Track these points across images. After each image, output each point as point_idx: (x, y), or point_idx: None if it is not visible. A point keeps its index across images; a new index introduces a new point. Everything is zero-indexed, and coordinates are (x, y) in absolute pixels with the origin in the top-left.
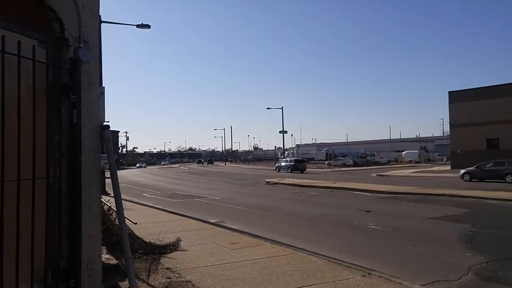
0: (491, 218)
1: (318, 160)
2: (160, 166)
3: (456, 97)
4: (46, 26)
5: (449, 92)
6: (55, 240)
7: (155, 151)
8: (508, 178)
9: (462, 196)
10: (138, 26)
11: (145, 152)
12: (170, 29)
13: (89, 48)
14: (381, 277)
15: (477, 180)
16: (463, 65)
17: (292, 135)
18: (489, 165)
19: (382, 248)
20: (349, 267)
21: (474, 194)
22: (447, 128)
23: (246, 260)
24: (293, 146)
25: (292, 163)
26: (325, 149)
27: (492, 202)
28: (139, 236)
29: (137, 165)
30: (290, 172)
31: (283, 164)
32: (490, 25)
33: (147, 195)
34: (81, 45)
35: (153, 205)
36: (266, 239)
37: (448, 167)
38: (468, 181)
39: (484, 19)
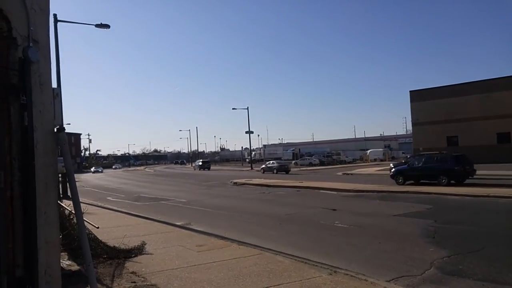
0: (452, 213)
1: (285, 160)
2: (113, 170)
3: (417, 96)
4: None
5: (410, 91)
6: (9, 247)
7: (119, 154)
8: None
9: (425, 193)
10: (97, 25)
11: (108, 154)
12: (131, 29)
13: (40, 48)
14: (347, 274)
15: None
16: (424, 64)
17: (258, 135)
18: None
19: (348, 246)
20: (316, 265)
21: (436, 191)
22: (410, 127)
23: (213, 262)
24: (260, 146)
25: (278, 165)
26: (292, 149)
27: (453, 198)
28: (102, 241)
29: (93, 169)
30: (276, 173)
31: (269, 166)
32: (452, 26)
33: (111, 199)
34: (31, 44)
35: (118, 209)
36: (233, 240)
37: None
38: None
39: (446, 21)
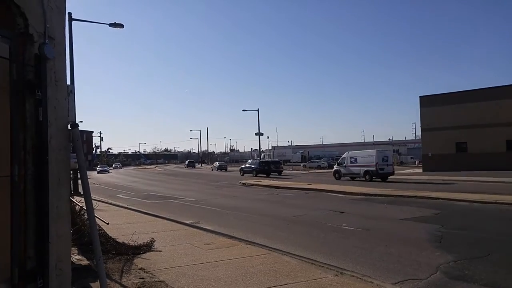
0: (460, 219)
1: (293, 162)
2: (114, 169)
3: (427, 102)
4: (9, 21)
5: (420, 96)
6: (21, 239)
7: (130, 152)
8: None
9: (433, 198)
10: (110, 25)
11: (119, 153)
12: (146, 30)
13: (55, 45)
14: (353, 276)
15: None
16: (436, 69)
17: (268, 137)
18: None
19: (355, 248)
20: (322, 266)
21: (444, 196)
22: (419, 132)
23: (220, 260)
24: (269, 148)
25: (218, 165)
26: (301, 152)
27: (461, 203)
28: (112, 237)
29: (98, 168)
30: (255, 175)
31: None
32: (463, 30)
33: (121, 196)
34: (47, 41)
35: (127, 206)
36: (240, 240)
37: (420, 170)
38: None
39: (456, 25)
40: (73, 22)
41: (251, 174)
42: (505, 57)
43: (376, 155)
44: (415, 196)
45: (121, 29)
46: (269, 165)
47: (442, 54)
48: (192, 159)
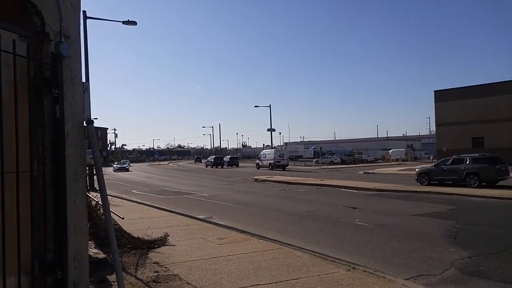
0: (475, 214)
1: (306, 158)
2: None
3: (441, 96)
4: (26, 20)
5: (434, 91)
6: (41, 232)
7: (144, 148)
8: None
9: (448, 194)
10: (124, 22)
11: (134, 149)
12: (159, 27)
13: (71, 43)
14: (365, 271)
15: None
16: (449, 64)
17: (280, 133)
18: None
19: (367, 244)
20: (334, 261)
21: (459, 192)
22: (433, 127)
23: (233, 255)
24: (281, 144)
25: (228, 160)
26: (313, 147)
27: (477, 199)
28: (127, 231)
29: (115, 165)
30: (272, 169)
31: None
32: (475, 25)
33: (136, 192)
34: (63, 39)
35: (142, 201)
36: (253, 235)
37: None
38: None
39: (469, 20)
40: (88, 20)
41: (268, 168)
42: None
43: (274, 153)
44: (428, 192)
45: (135, 26)
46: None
47: (456, 48)
48: (199, 156)
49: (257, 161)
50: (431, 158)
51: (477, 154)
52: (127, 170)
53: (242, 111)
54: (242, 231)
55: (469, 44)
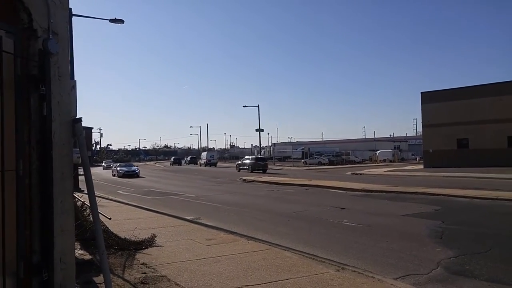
0: (460, 215)
1: (294, 159)
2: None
3: (428, 98)
4: (13, 16)
5: (421, 93)
6: (26, 233)
7: (129, 149)
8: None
9: (434, 194)
10: (111, 20)
11: (119, 149)
12: (145, 26)
13: (59, 40)
14: (354, 271)
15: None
16: (436, 66)
17: (268, 133)
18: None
19: (356, 244)
20: (323, 262)
21: (445, 192)
22: (420, 128)
23: (222, 256)
24: (270, 144)
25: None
26: (301, 148)
27: (461, 199)
28: (113, 232)
29: (104, 163)
30: (251, 171)
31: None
32: (464, 26)
33: (121, 192)
34: (50, 36)
35: (128, 202)
36: (242, 235)
37: (421, 166)
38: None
39: (458, 21)
40: (73, 18)
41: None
42: (507, 53)
43: (206, 154)
44: (416, 192)
45: (121, 25)
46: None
47: (443, 50)
48: (177, 156)
49: (199, 161)
50: (417, 159)
51: (254, 155)
52: (138, 175)
53: (230, 111)
54: (231, 232)
55: (457, 45)
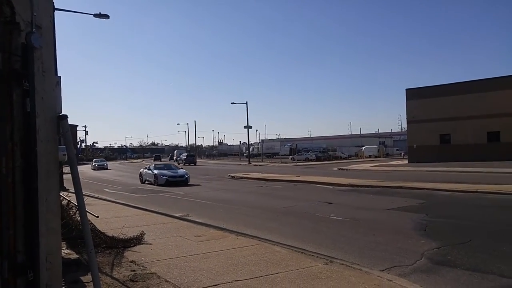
0: (442, 208)
1: (282, 155)
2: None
3: (412, 94)
4: None
5: (406, 89)
6: (10, 232)
7: (116, 146)
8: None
9: (418, 188)
10: (95, 15)
11: (105, 147)
12: (131, 21)
13: (42, 34)
14: (342, 264)
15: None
16: (421, 63)
17: (257, 130)
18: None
19: (343, 238)
20: (312, 256)
21: (428, 186)
22: (404, 124)
23: (212, 252)
24: (258, 141)
25: (184, 157)
26: (289, 144)
27: (444, 193)
28: (101, 231)
29: (94, 162)
30: (183, 165)
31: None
32: (448, 24)
33: (108, 190)
34: (34, 30)
35: (115, 200)
36: (231, 231)
37: (406, 161)
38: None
39: (443, 18)
40: (56, 12)
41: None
42: (486, 52)
43: (177, 152)
44: (401, 187)
45: (106, 20)
46: (193, 156)
47: (428, 47)
48: (158, 153)
49: (175, 158)
50: (402, 155)
51: (187, 152)
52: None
53: (218, 108)
54: (220, 228)
55: (442, 43)
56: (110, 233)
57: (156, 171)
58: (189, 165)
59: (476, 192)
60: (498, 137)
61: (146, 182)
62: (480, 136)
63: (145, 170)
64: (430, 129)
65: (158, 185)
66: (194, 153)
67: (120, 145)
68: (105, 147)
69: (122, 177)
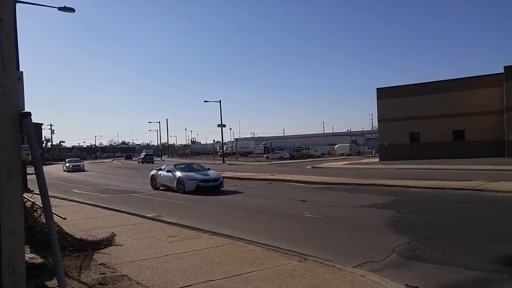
0: (413, 204)
1: (256, 154)
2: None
3: (383, 94)
4: None
5: (377, 89)
6: None
7: (84, 146)
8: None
9: (389, 186)
10: (60, 9)
11: (73, 146)
12: (98, 15)
13: (3, 26)
14: (316, 261)
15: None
16: (392, 63)
17: (230, 129)
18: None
19: (317, 235)
20: (286, 253)
21: (399, 183)
22: (375, 123)
23: (185, 252)
24: (232, 140)
25: (143, 156)
26: (263, 143)
27: (414, 190)
28: (69, 233)
29: (68, 163)
30: (141, 163)
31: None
32: (417, 24)
33: (77, 191)
34: None
35: (84, 201)
36: (205, 231)
37: (377, 159)
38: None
39: (411, 19)
40: (18, 5)
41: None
42: (452, 53)
43: (145, 151)
44: (372, 184)
45: (72, 14)
46: (151, 156)
47: (399, 47)
48: (129, 152)
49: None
50: (373, 153)
51: (144, 153)
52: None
53: (191, 106)
54: (194, 228)
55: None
56: (78, 235)
57: (179, 174)
58: (148, 163)
59: (444, 188)
60: (463, 135)
61: (162, 188)
62: (446, 134)
63: (160, 173)
64: (400, 128)
65: (184, 192)
66: (152, 152)
67: (90, 144)
68: (73, 146)
69: (92, 177)
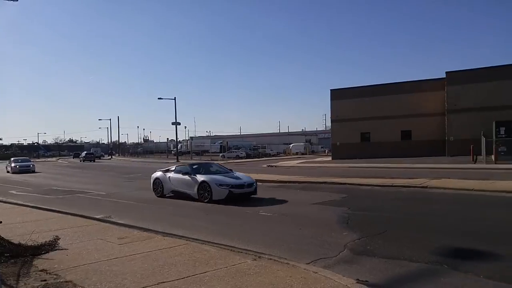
0: (363, 201)
1: (212, 153)
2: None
3: (336, 95)
4: None
5: (330, 90)
6: None
7: (25, 143)
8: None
9: (341, 183)
10: None
11: (12, 144)
12: (45, 6)
13: None
14: (270, 259)
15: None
16: (344, 65)
17: (185, 127)
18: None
19: (272, 233)
20: (241, 252)
21: (350, 181)
22: (329, 123)
23: (136, 254)
24: (187, 138)
25: (84, 155)
26: (219, 142)
27: (364, 187)
28: (4, 238)
29: (14, 164)
30: (83, 162)
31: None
32: (374, 25)
33: (15, 192)
34: None
35: (24, 203)
36: (157, 232)
37: (330, 158)
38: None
39: (368, 20)
40: None
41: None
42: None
43: (92, 150)
44: (325, 182)
45: (15, 3)
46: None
47: (352, 49)
48: (77, 151)
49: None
50: (326, 152)
51: (86, 152)
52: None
53: (144, 103)
54: (145, 229)
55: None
56: (16, 240)
57: (203, 177)
58: (90, 162)
59: (392, 186)
60: (410, 135)
61: (171, 194)
62: (395, 134)
63: (169, 175)
64: (352, 128)
65: (210, 201)
66: (98, 151)
67: (31, 142)
68: (11, 144)
69: (33, 178)
